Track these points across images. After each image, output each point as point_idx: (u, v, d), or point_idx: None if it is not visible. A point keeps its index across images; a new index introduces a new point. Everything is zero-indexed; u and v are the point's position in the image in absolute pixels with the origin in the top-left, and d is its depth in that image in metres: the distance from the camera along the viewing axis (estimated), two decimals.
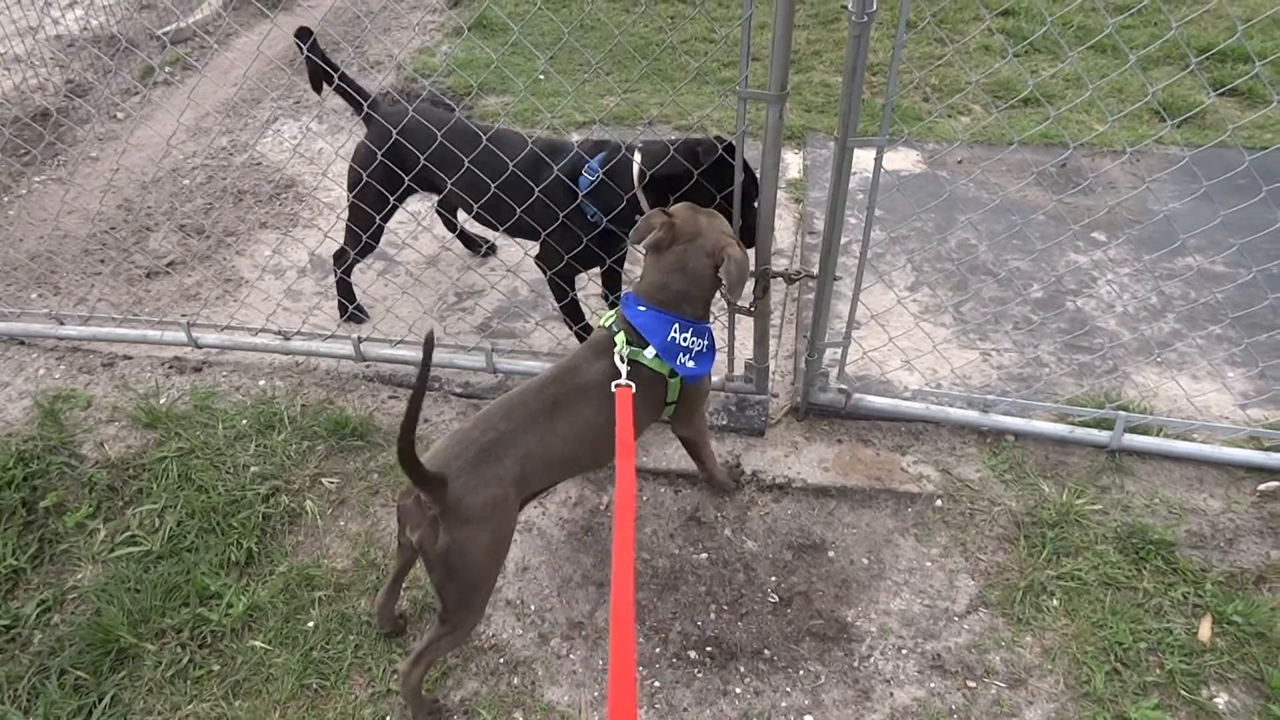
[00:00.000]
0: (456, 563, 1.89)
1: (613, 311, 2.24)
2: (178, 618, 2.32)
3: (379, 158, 2.85)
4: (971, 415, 2.77)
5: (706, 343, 2.22)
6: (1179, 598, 2.32)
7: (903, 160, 4.11)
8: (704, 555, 2.51)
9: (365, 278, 3.46)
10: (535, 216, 2.74)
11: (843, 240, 3.50)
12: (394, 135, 2.78)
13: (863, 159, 3.67)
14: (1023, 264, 3.44)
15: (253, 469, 2.70)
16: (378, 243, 3.10)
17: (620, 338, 2.13)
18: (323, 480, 2.70)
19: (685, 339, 2.16)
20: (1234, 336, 3.02)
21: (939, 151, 4.14)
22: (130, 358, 3.18)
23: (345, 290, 3.24)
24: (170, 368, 3.13)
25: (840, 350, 2.75)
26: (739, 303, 2.43)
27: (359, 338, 2.99)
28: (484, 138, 2.71)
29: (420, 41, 5.42)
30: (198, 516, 2.56)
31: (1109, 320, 3.19)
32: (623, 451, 1.81)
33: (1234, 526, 2.49)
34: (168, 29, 5.29)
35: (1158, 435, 2.69)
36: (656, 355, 2.14)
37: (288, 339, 3.08)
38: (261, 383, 3.06)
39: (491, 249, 3.57)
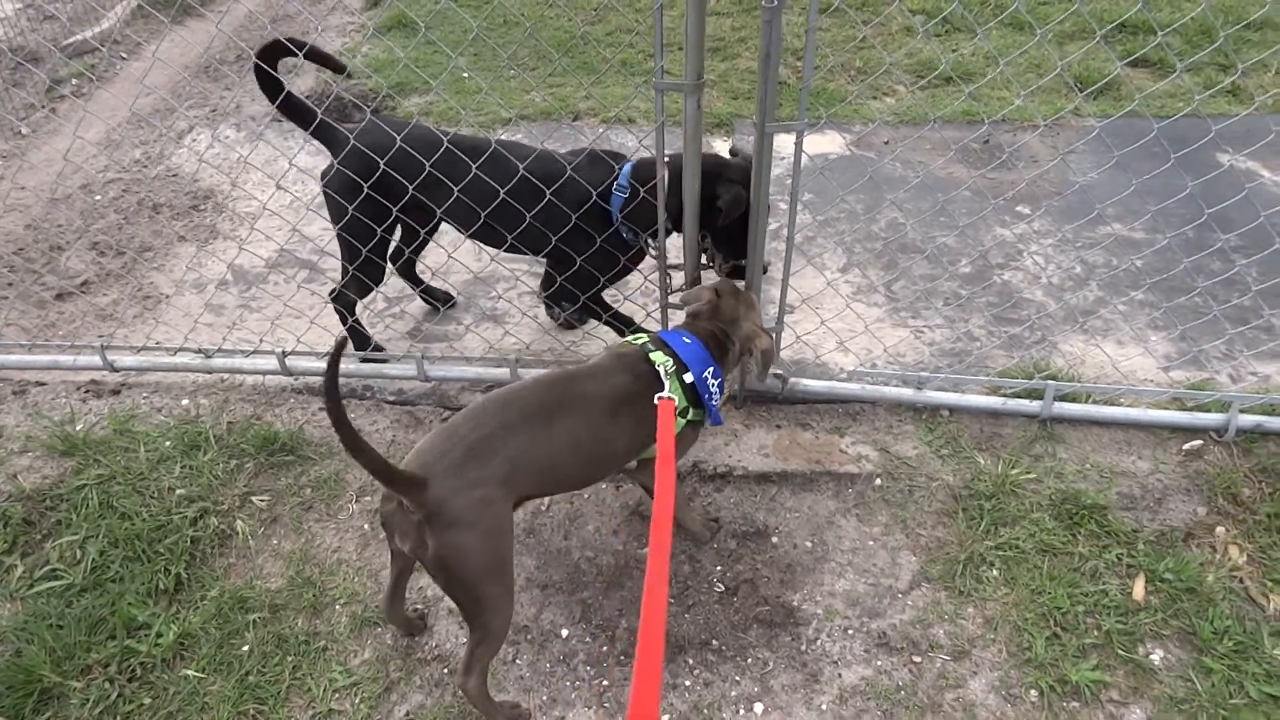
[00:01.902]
0: (454, 568, 1.81)
1: (643, 333, 2.21)
2: (104, 652, 2.23)
3: (360, 182, 2.57)
4: (906, 393, 2.79)
5: (721, 399, 2.21)
6: (1113, 559, 2.36)
7: (830, 144, 4.13)
8: (647, 550, 2.49)
9: (288, 289, 3.36)
10: (564, 239, 2.60)
11: (772, 226, 3.52)
12: (380, 157, 2.55)
13: (791, 144, 3.67)
14: (950, 240, 3.48)
15: (178, 492, 2.60)
16: (380, 278, 2.85)
17: (659, 355, 2.10)
18: (253, 499, 2.62)
19: (713, 385, 2.15)
20: (1154, 301, 3.10)
21: (865, 133, 4.17)
22: (43, 384, 3.05)
23: (356, 335, 3.00)
24: (87, 392, 3.01)
25: (774, 336, 2.74)
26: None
27: (283, 351, 2.90)
28: (490, 149, 2.52)
29: (340, 44, 5.30)
30: (121, 545, 2.45)
31: (1035, 291, 3.24)
32: (665, 459, 1.76)
33: (1162, 486, 2.55)
34: (71, 40, 5.08)
35: (1086, 402, 2.75)
36: (686, 388, 2.11)
37: (209, 357, 2.98)
38: (184, 402, 2.95)
39: (453, 304, 3.32)
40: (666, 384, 2.03)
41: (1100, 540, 2.42)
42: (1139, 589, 2.29)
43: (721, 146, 4.13)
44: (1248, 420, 2.61)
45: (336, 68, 2.65)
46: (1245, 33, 4.68)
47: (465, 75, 4.78)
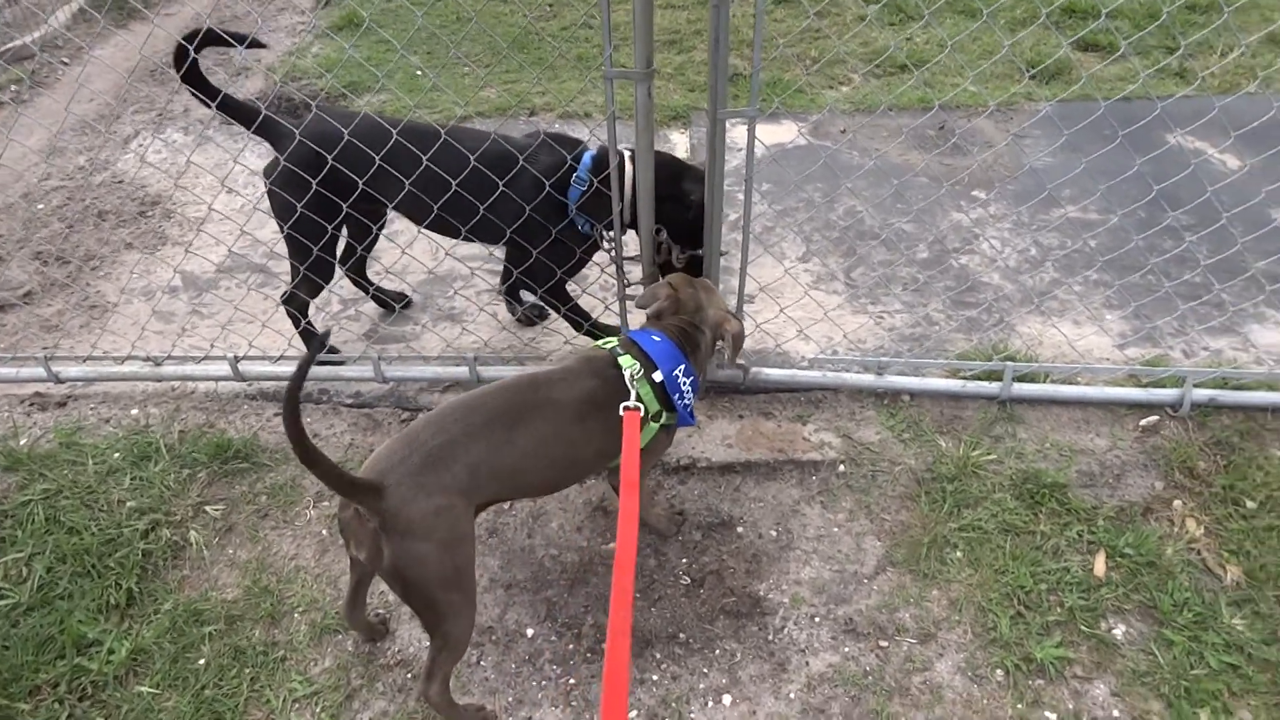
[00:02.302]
0: (411, 577, 1.77)
1: (613, 338, 2.17)
2: (53, 671, 2.16)
3: (308, 177, 2.49)
4: (867, 379, 2.79)
5: (694, 398, 2.17)
6: (1074, 536, 2.38)
7: (786, 133, 4.13)
8: (613, 545, 2.46)
9: (240, 293, 3.29)
10: (518, 230, 2.55)
11: (731, 216, 3.51)
12: (326, 149, 2.47)
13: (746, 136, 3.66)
14: (908, 226, 3.49)
15: (129, 504, 2.53)
16: (331, 276, 2.79)
17: (628, 359, 2.06)
18: (207, 509, 2.56)
19: (685, 383, 2.12)
20: (1108, 280, 3.13)
21: (821, 122, 4.18)
22: None
23: (310, 338, 2.93)
24: (31, 405, 2.92)
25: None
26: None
27: (235, 356, 2.84)
28: (440, 137, 2.45)
29: (290, 44, 5.21)
30: (70, 561, 2.38)
31: (992, 274, 3.26)
32: (628, 487, 1.71)
33: (1120, 463, 2.58)
34: (9, 46, 4.94)
35: (1044, 382, 2.76)
36: (656, 388, 2.07)
37: (158, 365, 2.90)
38: (134, 412, 2.88)
39: (408, 304, 3.26)
40: (633, 392, 1.99)
41: (1061, 518, 2.43)
42: (1100, 565, 2.31)
43: (679, 139, 4.12)
44: (1201, 395, 2.64)
45: (252, 44, 2.48)
46: (1190, 15, 4.75)
47: (419, 73, 4.72)
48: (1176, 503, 2.45)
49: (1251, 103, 3.75)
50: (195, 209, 3.81)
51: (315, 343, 1.63)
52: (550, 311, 2.95)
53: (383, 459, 1.80)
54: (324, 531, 2.49)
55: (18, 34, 5.08)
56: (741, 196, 2.40)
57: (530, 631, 2.25)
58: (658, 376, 2.08)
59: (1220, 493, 2.46)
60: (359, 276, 3.10)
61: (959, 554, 2.36)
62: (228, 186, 3.54)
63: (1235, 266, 3.00)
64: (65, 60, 5.04)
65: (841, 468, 2.61)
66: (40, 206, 3.89)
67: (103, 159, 4.21)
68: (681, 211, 2.51)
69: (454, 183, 2.45)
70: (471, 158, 2.44)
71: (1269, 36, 4.40)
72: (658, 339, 2.13)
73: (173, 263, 3.46)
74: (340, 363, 2.94)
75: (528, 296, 3.12)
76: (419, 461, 1.78)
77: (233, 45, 2.41)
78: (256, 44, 2.48)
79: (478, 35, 5.03)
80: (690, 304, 2.24)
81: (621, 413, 1.94)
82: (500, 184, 2.46)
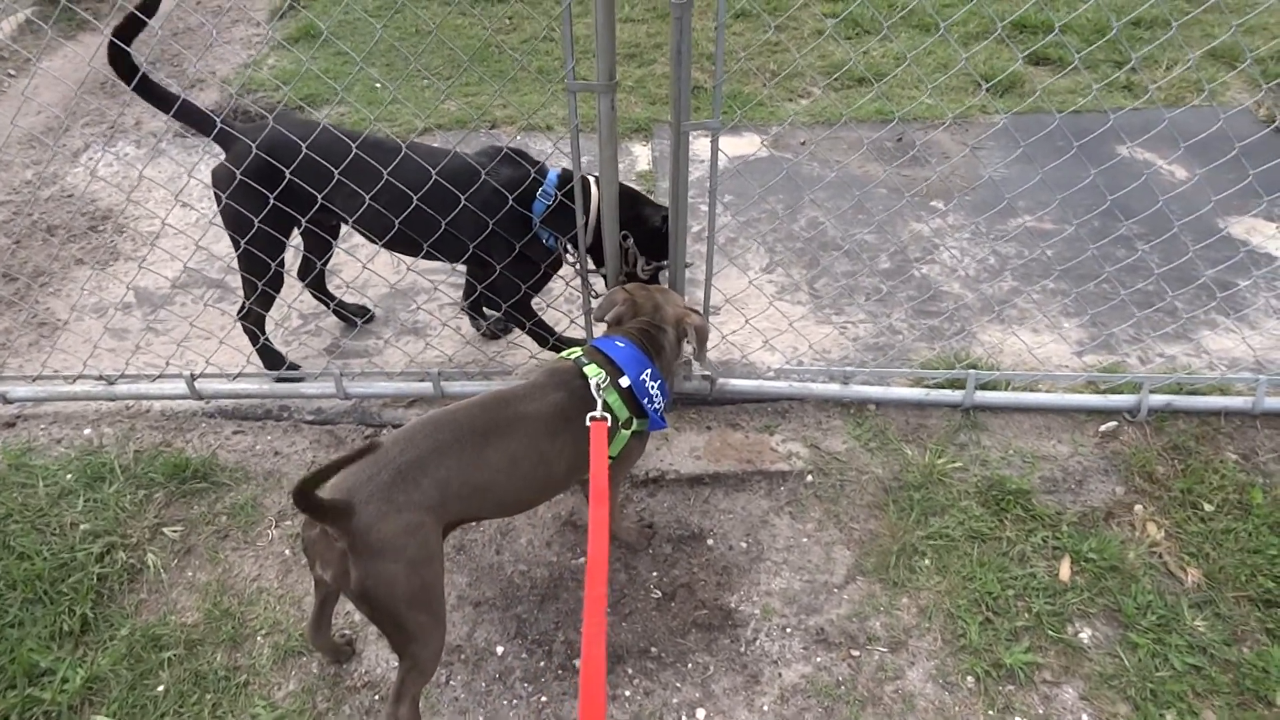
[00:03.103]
0: (379, 598, 1.73)
1: (578, 347, 2.15)
2: (4, 703, 2.08)
3: (263, 190, 2.44)
4: (833, 389, 2.80)
5: (664, 401, 2.15)
6: (1039, 542, 2.41)
7: (748, 145, 4.15)
8: (582, 559, 2.44)
9: (195, 309, 3.22)
10: (482, 246, 2.52)
11: (694, 227, 3.52)
12: (280, 156, 2.42)
13: (709, 146, 3.69)
14: (869, 236, 3.53)
15: (82, 527, 2.46)
16: (280, 286, 2.73)
17: (593, 368, 2.03)
18: (164, 530, 2.49)
19: (653, 387, 2.10)
20: (1065, 289, 3.19)
21: (781, 134, 4.22)
22: None
23: (268, 355, 2.88)
24: None
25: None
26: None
27: (192, 374, 2.77)
28: (401, 150, 2.42)
29: (245, 56, 5.13)
30: (20, 587, 2.30)
31: (953, 284, 3.31)
32: (598, 496, 1.68)
33: (1082, 468, 2.62)
34: None
35: (1006, 389, 2.80)
36: (625, 394, 2.05)
37: (112, 383, 2.82)
38: (87, 431, 2.80)
39: (370, 318, 3.20)
40: (599, 401, 1.98)
41: (1026, 524, 2.46)
42: (1065, 570, 2.34)
43: (641, 151, 4.13)
44: (1158, 400, 2.69)
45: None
46: (1137, 30, 4.88)
47: (377, 85, 4.67)
48: (1137, 507, 2.50)
49: (1197, 115, 3.86)
50: (148, 223, 3.72)
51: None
52: (514, 326, 2.93)
53: (350, 477, 1.76)
54: (287, 551, 2.44)
55: None
56: (704, 208, 2.41)
57: (500, 649, 2.22)
58: (625, 382, 2.07)
59: (1179, 496, 2.51)
60: (319, 291, 3.05)
61: (927, 562, 2.38)
62: (182, 201, 3.46)
63: (1187, 275, 3.08)
64: (11, 73, 4.91)
65: (810, 478, 2.62)
66: None
67: (51, 173, 4.11)
68: (642, 228, 2.52)
69: (415, 197, 2.42)
70: (433, 172, 2.41)
71: (1211, 51, 4.53)
72: (621, 344, 2.12)
73: (125, 279, 3.38)
74: (300, 379, 2.89)
75: (491, 311, 3.09)
76: (388, 479, 1.75)
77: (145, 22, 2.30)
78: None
79: (437, 48, 5.00)
80: (647, 305, 2.24)
81: (588, 423, 1.93)
82: (463, 198, 2.44)
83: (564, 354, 2.16)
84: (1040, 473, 2.60)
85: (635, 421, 2.10)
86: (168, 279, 3.35)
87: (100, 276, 3.44)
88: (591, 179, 2.47)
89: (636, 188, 2.64)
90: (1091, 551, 2.37)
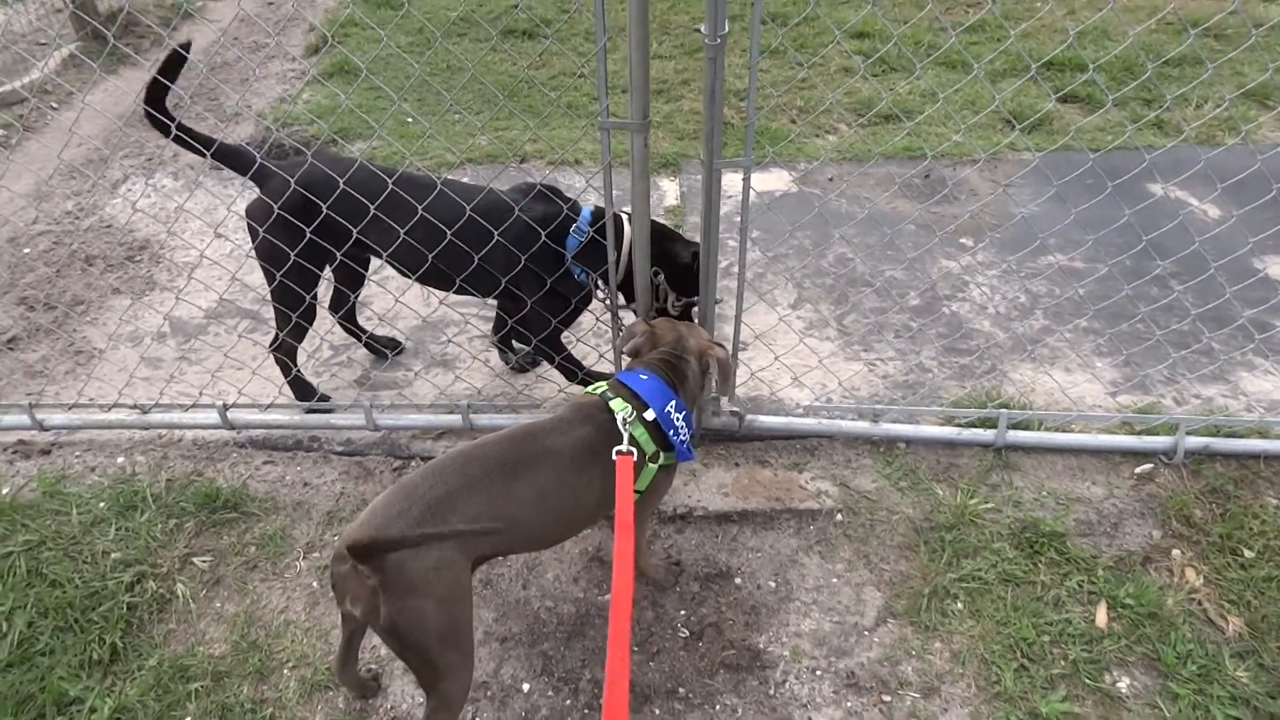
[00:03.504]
0: (409, 635, 1.72)
1: (603, 382, 2.15)
2: None
3: (300, 225, 2.47)
4: (862, 426, 2.78)
5: (689, 434, 2.14)
6: (1074, 586, 2.36)
7: (776, 181, 4.17)
8: (609, 596, 2.42)
9: (229, 339, 3.26)
10: (514, 281, 2.54)
11: (723, 263, 3.53)
12: (316, 192, 2.45)
13: (738, 182, 3.71)
14: (898, 273, 3.52)
15: (113, 555, 2.47)
16: (313, 319, 2.76)
17: (618, 402, 2.03)
18: (194, 560, 2.50)
19: (678, 419, 2.09)
20: (1098, 328, 3.16)
21: (810, 171, 4.23)
22: None
23: (300, 386, 2.91)
24: (14, 453, 2.86)
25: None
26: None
27: (224, 404, 2.80)
28: (436, 186, 2.45)
29: (280, 91, 5.24)
30: (51, 615, 2.31)
31: (983, 322, 3.29)
32: (622, 529, 1.69)
33: (1117, 511, 2.57)
34: (1, 90, 4.94)
35: (1039, 429, 2.77)
36: (650, 427, 2.04)
37: (145, 412, 2.86)
38: (120, 460, 2.82)
39: (400, 350, 3.23)
40: (625, 435, 1.97)
41: (1061, 568, 2.42)
42: (1101, 616, 2.29)
43: (669, 186, 4.15)
44: (1195, 442, 2.65)
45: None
46: (1166, 69, 4.87)
47: (410, 120, 4.75)
48: (1175, 552, 2.45)
49: (1230, 154, 3.83)
50: (184, 254, 3.78)
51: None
52: (543, 359, 2.94)
53: (381, 511, 1.76)
54: (314, 583, 2.44)
55: (7, 79, 5.09)
56: (733, 244, 2.41)
57: (526, 686, 2.20)
58: (650, 415, 2.06)
59: (1218, 541, 2.45)
60: (350, 323, 3.08)
61: (960, 605, 2.34)
62: (218, 232, 3.52)
63: (1223, 315, 3.04)
64: (54, 105, 5.04)
65: (839, 517, 2.59)
66: (26, 251, 3.85)
67: (91, 204, 4.19)
68: (668, 269, 2.54)
69: (449, 232, 2.45)
70: (468, 207, 2.44)
71: (1243, 90, 4.51)
72: (645, 377, 2.12)
73: (161, 309, 3.43)
74: (331, 410, 2.90)
75: (520, 345, 3.11)
76: (418, 514, 1.75)
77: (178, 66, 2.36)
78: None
79: (468, 83, 5.08)
80: (669, 336, 2.23)
81: (614, 457, 1.93)
82: (496, 234, 2.46)
83: (589, 389, 2.16)
84: (1075, 515, 2.56)
85: (662, 455, 2.09)
86: (202, 309, 3.40)
87: (137, 306, 3.50)
88: (624, 215, 2.49)
89: (667, 224, 2.66)
90: (1129, 597, 2.32)
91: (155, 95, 2.36)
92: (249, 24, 6.07)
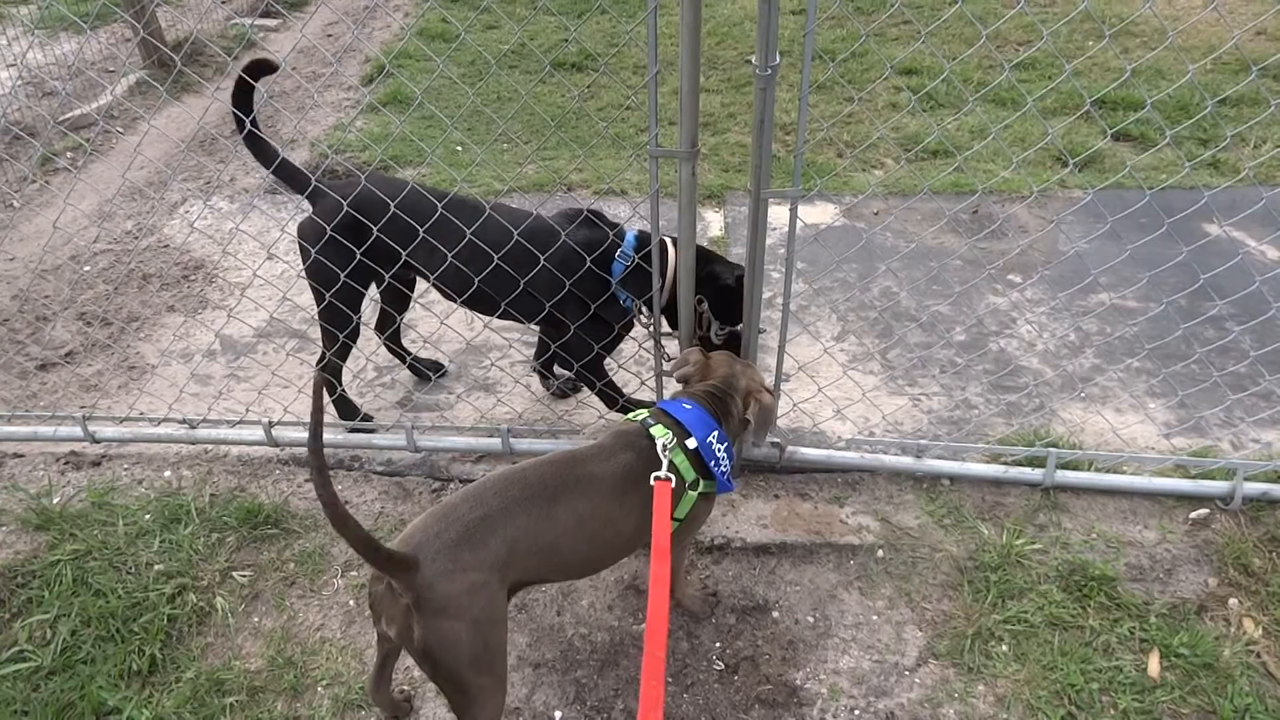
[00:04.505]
0: (441, 657, 1.71)
1: (644, 410, 2.15)
2: None
3: (350, 245, 2.52)
4: (906, 461, 2.74)
5: (731, 465, 2.12)
6: (1125, 633, 2.29)
7: (821, 214, 4.16)
8: (644, 626, 2.39)
9: (277, 358, 3.32)
10: (558, 306, 2.57)
11: (766, 294, 3.51)
12: (366, 212, 2.50)
13: (783, 214, 3.71)
14: (944, 308, 3.47)
15: (156, 567, 2.51)
16: (357, 339, 2.80)
17: (659, 429, 2.03)
18: (234, 574, 2.53)
19: (720, 450, 2.08)
20: (1151, 368, 3.08)
21: (856, 204, 4.22)
22: (21, 456, 2.97)
23: (343, 405, 2.95)
24: (66, 464, 2.93)
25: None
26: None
27: (269, 421, 2.84)
28: (485, 210, 2.48)
29: (335, 119, 5.37)
30: (94, 624, 2.35)
31: (1031, 359, 3.23)
32: (659, 554, 1.68)
33: (1171, 557, 2.49)
34: (69, 115, 5.13)
35: (1089, 470, 2.70)
36: (691, 455, 2.03)
37: (193, 427, 2.91)
38: (167, 474, 2.87)
39: (444, 373, 3.26)
40: (664, 461, 1.96)
41: (1111, 613, 2.34)
42: (1154, 665, 2.21)
43: (714, 218, 4.16)
44: (1254, 488, 2.56)
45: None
46: (1222, 108, 4.79)
47: (459, 148, 4.83)
48: (1232, 601, 2.36)
49: None
50: (237, 274, 3.87)
51: (320, 383, 1.59)
52: (583, 385, 2.94)
53: (419, 532, 1.76)
54: (351, 602, 2.45)
55: (79, 103, 5.28)
56: (777, 274, 2.40)
57: (559, 714, 2.18)
58: (691, 444, 2.05)
59: (1278, 592, 2.36)
60: (395, 345, 3.12)
61: (1005, 647, 2.27)
62: (271, 253, 3.60)
63: None
64: (121, 129, 5.22)
65: (880, 552, 2.54)
66: (87, 268, 3.97)
67: (150, 224, 4.31)
68: (712, 293, 2.53)
69: (495, 256, 2.47)
70: (515, 232, 2.46)
71: None
72: (689, 406, 2.11)
73: (213, 326, 3.51)
74: (373, 430, 2.93)
75: (562, 370, 3.12)
76: (455, 536, 1.75)
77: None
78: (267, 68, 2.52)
79: (518, 113, 5.17)
80: (720, 370, 2.22)
81: (652, 483, 1.92)
82: (542, 258, 2.48)
83: (630, 416, 2.15)
84: (1126, 559, 2.48)
85: (702, 483, 2.07)
86: (252, 328, 3.46)
87: (189, 324, 3.58)
88: (669, 240, 2.49)
89: (711, 248, 2.66)
90: (1183, 646, 2.24)
91: (242, 92, 2.43)
92: (308, 54, 6.26)
